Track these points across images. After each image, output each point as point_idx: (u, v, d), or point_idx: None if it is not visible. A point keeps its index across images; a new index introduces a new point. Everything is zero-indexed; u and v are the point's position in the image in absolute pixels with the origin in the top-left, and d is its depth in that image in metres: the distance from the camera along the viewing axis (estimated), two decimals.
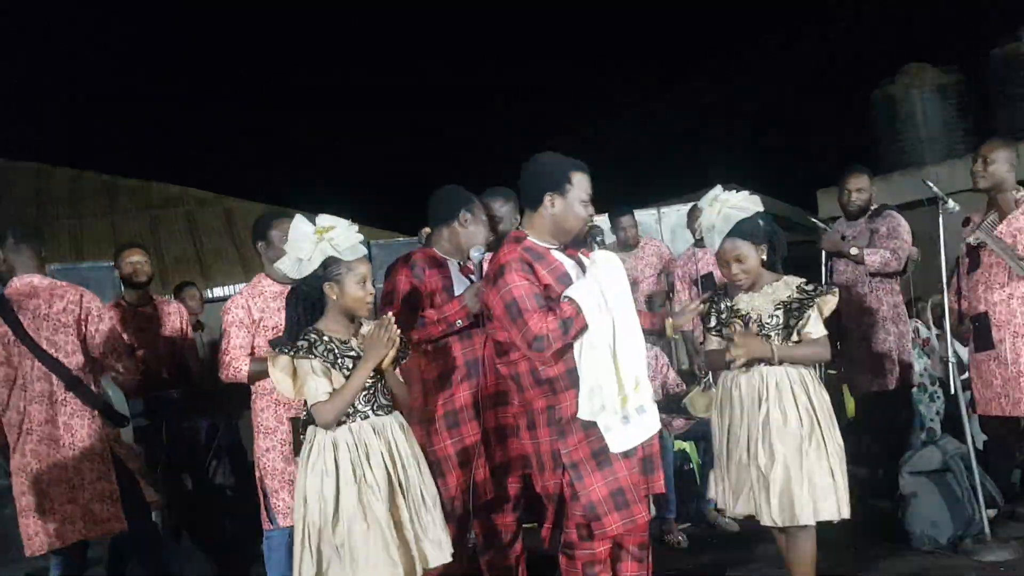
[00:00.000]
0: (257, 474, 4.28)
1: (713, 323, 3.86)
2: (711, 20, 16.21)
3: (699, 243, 6.69)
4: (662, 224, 8.51)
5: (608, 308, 3.31)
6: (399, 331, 3.31)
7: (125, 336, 5.26)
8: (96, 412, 4.10)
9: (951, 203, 4.64)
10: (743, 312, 3.75)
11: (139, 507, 4.19)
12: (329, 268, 3.31)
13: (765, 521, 3.65)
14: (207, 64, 17.67)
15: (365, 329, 3.37)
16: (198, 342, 6.05)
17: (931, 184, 4.70)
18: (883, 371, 5.56)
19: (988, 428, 4.98)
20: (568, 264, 3.49)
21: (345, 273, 3.31)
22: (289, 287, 3.56)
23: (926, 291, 7.03)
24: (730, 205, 3.78)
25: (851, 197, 5.68)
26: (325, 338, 3.29)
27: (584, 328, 3.29)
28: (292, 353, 3.24)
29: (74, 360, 4.07)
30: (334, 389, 3.23)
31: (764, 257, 3.77)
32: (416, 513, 3.30)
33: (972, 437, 4.68)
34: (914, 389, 6.47)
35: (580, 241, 3.60)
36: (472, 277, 3.99)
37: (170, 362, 5.40)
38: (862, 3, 15.43)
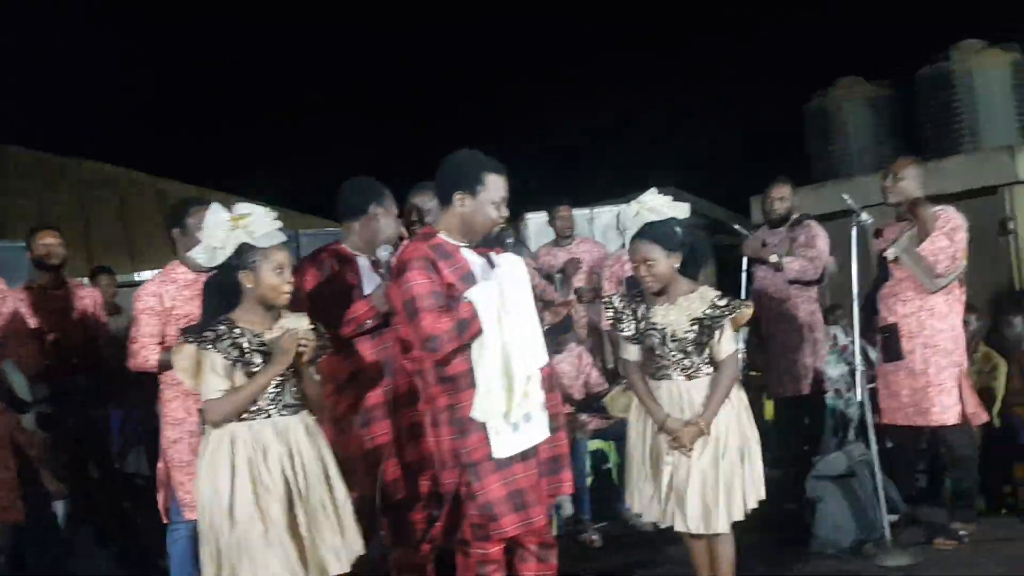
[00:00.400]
0: (161, 465, 4.22)
1: (631, 332, 3.79)
2: (650, 24, 16.34)
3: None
4: (594, 225, 8.57)
5: (506, 313, 3.30)
6: (313, 335, 3.28)
7: (36, 319, 5.16)
8: None
9: (864, 215, 4.75)
10: (661, 327, 3.69)
11: (39, 497, 4.07)
12: (244, 256, 3.24)
13: (679, 527, 3.66)
14: (142, 40, 17.32)
15: (284, 321, 3.31)
16: (113, 327, 5.94)
17: (846, 196, 4.81)
18: (798, 376, 5.67)
19: (892, 436, 5.09)
20: (476, 263, 3.47)
21: (261, 261, 3.23)
22: (205, 276, 3.50)
23: (845, 299, 7.17)
24: (648, 207, 3.77)
25: (773, 205, 5.80)
26: (236, 330, 3.21)
27: (479, 332, 3.29)
28: (198, 343, 3.17)
29: None
30: (231, 387, 3.16)
31: (676, 264, 3.71)
32: (313, 519, 3.24)
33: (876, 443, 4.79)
34: (831, 394, 6.62)
35: (493, 241, 3.59)
36: (382, 274, 3.92)
37: (82, 347, 5.29)
38: (799, 15, 15.68)
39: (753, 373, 6.36)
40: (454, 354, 3.33)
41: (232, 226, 3.25)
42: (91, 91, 17.00)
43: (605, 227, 8.42)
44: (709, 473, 3.61)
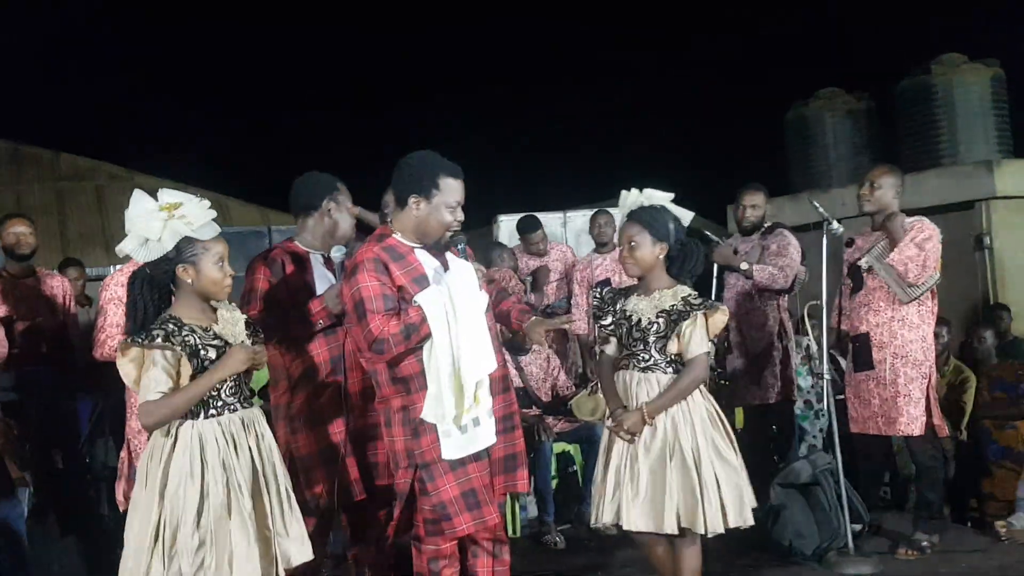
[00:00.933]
0: (123, 455, 4.21)
1: (608, 321, 3.75)
2: (632, 28, 16.39)
3: (598, 249, 6.77)
4: (567, 228, 8.59)
5: (455, 318, 3.29)
6: (258, 344, 3.21)
7: (4, 307, 5.13)
8: None
9: (836, 225, 4.77)
10: (629, 314, 3.66)
11: (2, 485, 4.03)
12: (183, 249, 3.07)
13: (626, 527, 3.60)
14: (122, 37, 17.24)
15: (223, 313, 3.20)
16: (83, 318, 5.91)
17: (816, 205, 4.83)
18: (766, 385, 5.69)
19: (859, 445, 5.11)
20: (429, 265, 3.45)
21: (201, 254, 3.09)
22: None
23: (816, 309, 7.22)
24: (647, 196, 3.74)
25: (745, 213, 5.80)
26: (186, 328, 3.05)
27: (428, 336, 3.28)
28: (146, 342, 2.98)
29: None
30: (173, 388, 3.00)
31: (661, 256, 3.66)
32: (280, 509, 3.18)
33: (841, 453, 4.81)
34: (800, 404, 6.64)
35: (445, 245, 3.54)
36: (335, 271, 3.90)
37: (50, 336, 5.27)
38: (780, 25, 15.77)
39: (723, 383, 6.37)
40: (404, 356, 3.32)
41: (167, 216, 3.04)
42: (71, 85, 16.93)
43: (578, 231, 8.44)
44: (657, 471, 3.53)
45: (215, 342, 3.10)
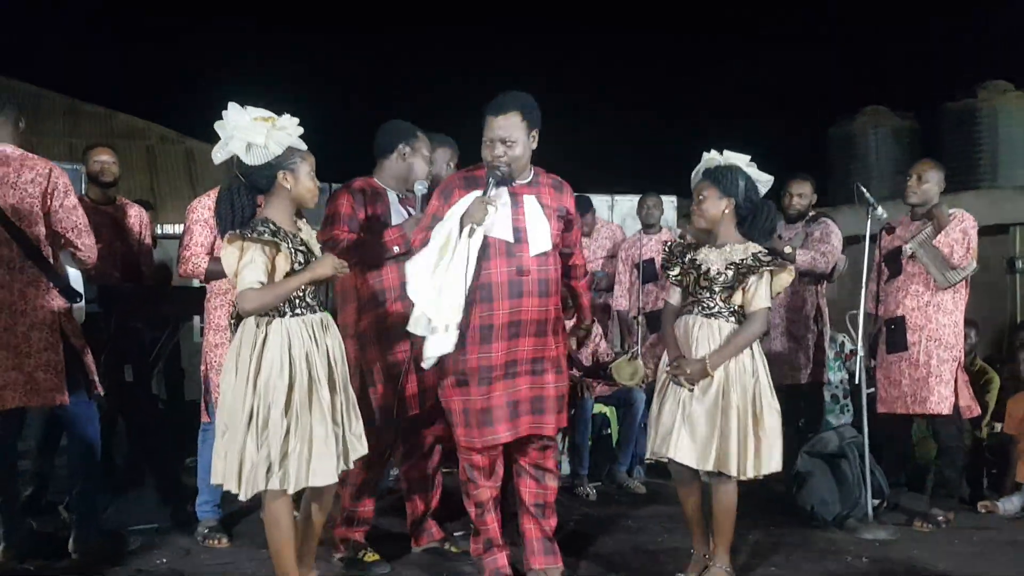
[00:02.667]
0: (202, 368, 4.51)
1: (676, 272, 3.91)
2: (686, 38, 16.63)
3: (646, 230, 7.01)
4: (614, 211, 8.84)
5: (449, 247, 3.64)
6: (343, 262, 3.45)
7: None
8: (51, 284, 4.15)
9: (880, 210, 5.01)
10: (699, 263, 3.82)
11: (81, 383, 4.27)
12: (286, 156, 3.31)
13: (670, 455, 3.76)
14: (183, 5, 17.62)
15: (305, 228, 3.44)
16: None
17: (864, 190, 5.07)
18: (799, 366, 5.94)
19: (884, 426, 5.32)
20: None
21: (300, 163, 3.34)
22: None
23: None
24: (724, 158, 3.91)
25: (792, 201, 6.06)
26: (280, 232, 3.28)
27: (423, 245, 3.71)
28: (253, 236, 3.22)
29: (36, 231, 4.10)
30: (266, 282, 3.24)
31: (728, 212, 3.81)
32: (347, 406, 3.43)
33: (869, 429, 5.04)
34: (827, 398, 6.87)
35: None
36: (411, 209, 4.21)
37: (125, 262, 5.53)
38: (829, 41, 15.95)
39: None
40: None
41: (270, 125, 3.29)
42: (131, 45, 17.33)
43: (624, 215, 8.69)
44: (709, 415, 3.69)
45: (302, 248, 3.35)
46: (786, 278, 3.84)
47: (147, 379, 5.36)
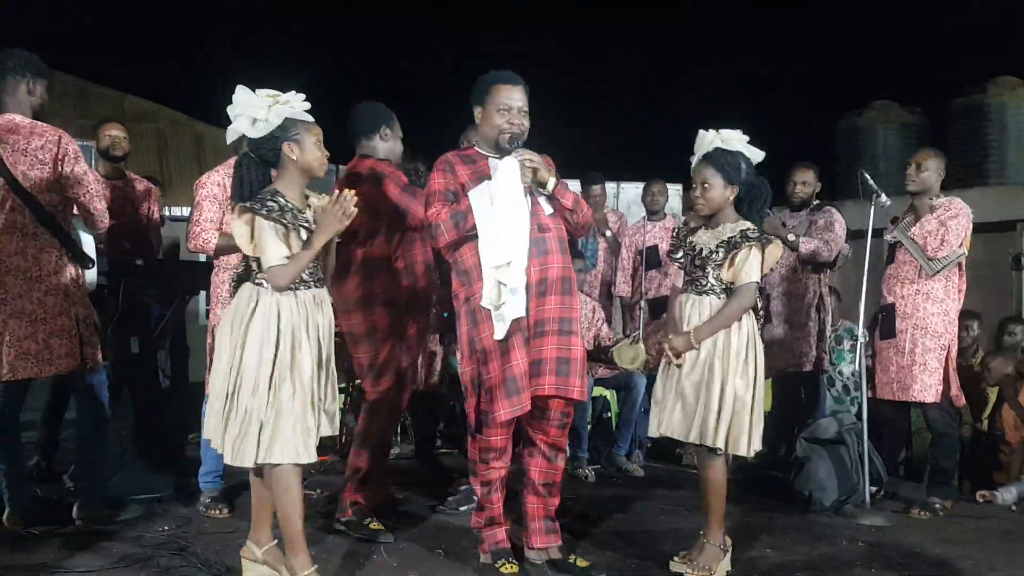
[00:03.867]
0: (208, 341, 4.56)
1: (679, 255, 3.97)
2: (694, 27, 16.67)
3: (650, 217, 7.04)
4: (620, 198, 8.88)
5: (492, 211, 3.63)
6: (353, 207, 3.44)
7: None
8: (64, 250, 4.20)
9: (883, 197, 5.04)
10: (694, 245, 3.87)
11: (88, 351, 4.30)
12: (288, 128, 3.38)
13: (659, 431, 3.88)
14: None
15: (315, 200, 3.48)
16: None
17: (868, 177, 5.09)
18: (800, 352, 5.96)
19: (882, 412, 5.36)
20: (493, 168, 3.79)
21: (304, 133, 3.40)
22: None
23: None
24: (723, 139, 3.85)
25: (796, 188, 6.09)
26: (289, 205, 3.36)
27: (475, 226, 3.66)
28: (264, 212, 3.31)
29: (47, 197, 4.15)
30: (290, 254, 3.33)
31: (731, 197, 3.81)
32: (327, 383, 3.47)
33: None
34: (839, 388, 6.90)
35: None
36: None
37: (134, 236, 5.58)
38: (838, 34, 15.96)
39: None
40: (462, 246, 3.71)
41: (272, 101, 3.38)
42: (142, 28, 17.36)
43: (629, 202, 8.73)
44: (696, 386, 3.74)
45: (306, 224, 3.39)
46: (775, 252, 3.84)
47: (153, 352, 5.40)
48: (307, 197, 3.50)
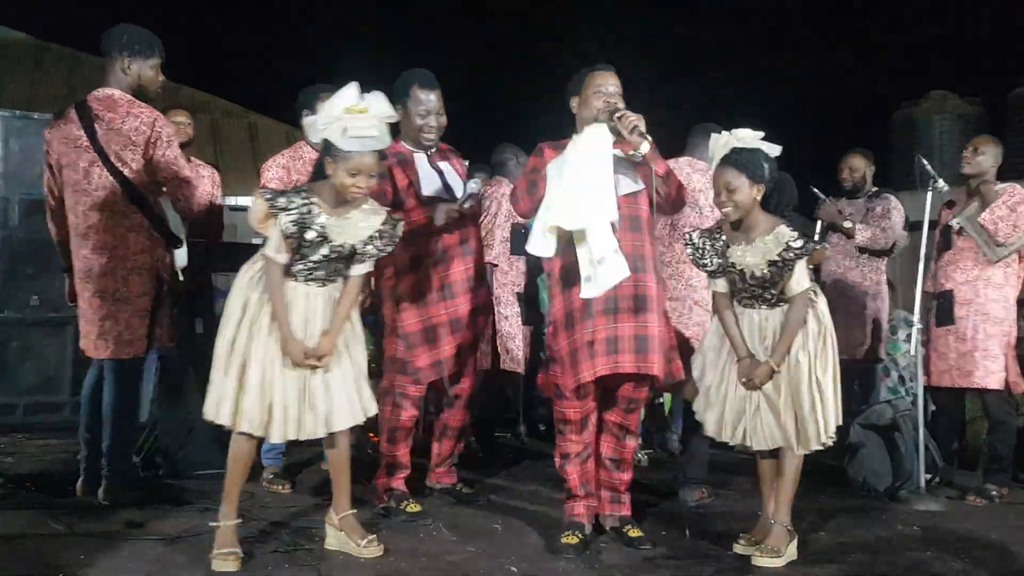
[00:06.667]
0: None
1: (714, 267, 3.83)
2: (749, 20, 16.57)
3: None
4: None
5: (563, 173, 3.71)
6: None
7: None
8: (153, 230, 4.29)
9: (941, 183, 5.02)
10: (740, 268, 3.74)
11: (161, 329, 4.42)
12: (331, 147, 3.46)
13: (759, 446, 3.86)
14: None
15: (357, 215, 3.53)
16: None
17: (925, 162, 5.08)
18: (855, 342, 5.95)
19: (937, 400, 5.34)
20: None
21: (342, 159, 3.43)
22: None
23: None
24: (738, 138, 3.79)
25: (845, 175, 6.14)
26: (308, 203, 3.45)
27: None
28: (268, 196, 3.45)
29: (137, 178, 4.22)
30: (285, 253, 3.45)
31: (758, 196, 3.71)
32: (314, 383, 3.53)
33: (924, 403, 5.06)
34: (895, 378, 6.86)
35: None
36: (444, 168, 4.47)
37: (195, 221, 5.70)
38: (896, 27, 15.76)
39: None
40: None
41: (340, 114, 3.41)
42: (198, 22, 17.66)
43: None
44: (784, 403, 3.73)
45: (321, 230, 3.46)
46: (820, 253, 3.87)
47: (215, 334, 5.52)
48: (348, 209, 3.53)
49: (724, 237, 3.81)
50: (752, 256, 3.71)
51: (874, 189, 6.14)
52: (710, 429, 3.97)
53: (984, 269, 5.09)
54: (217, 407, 3.47)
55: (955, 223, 5.18)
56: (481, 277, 4.54)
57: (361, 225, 3.55)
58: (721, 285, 3.86)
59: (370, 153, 3.44)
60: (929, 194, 5.02)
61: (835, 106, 14.85)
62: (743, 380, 3.78)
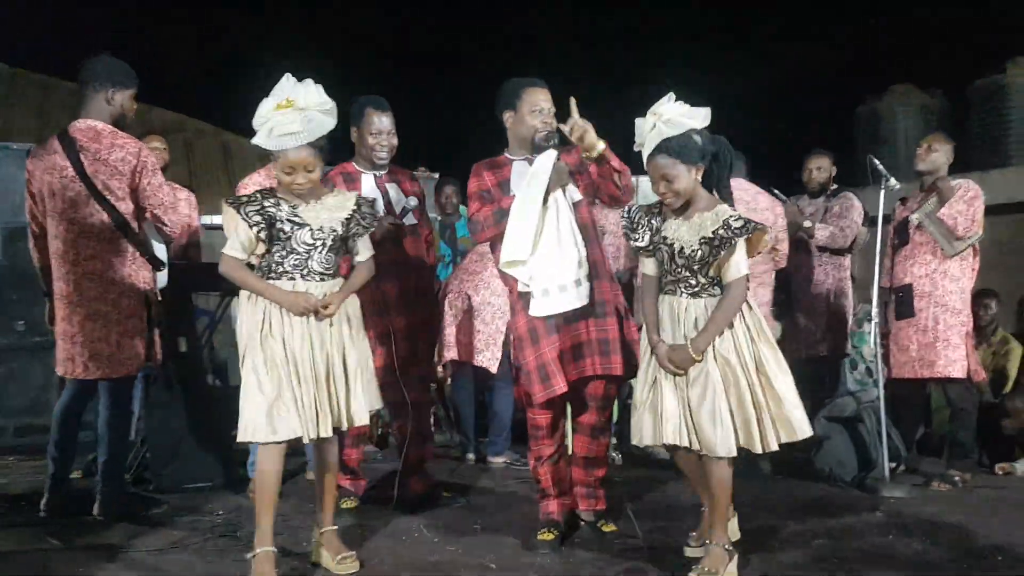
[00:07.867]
0: None
1: (644, 243, 3.63)
2: (708, 12, 16.80)
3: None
4: (638, 191, 9.06)
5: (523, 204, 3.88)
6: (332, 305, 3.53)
7: None
8: (139, 255, 4.43)
9: (892, 181, 5.21)
10: (670, 241, 3.54)
11: (152, 348, 4.57)
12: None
13: (674, 442, 3.55)
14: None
15: (328, 199, 3.57)
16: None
17: (876, 162, 5.26)
18: (818, 339, 6.14)
19: (898, 390, 5.49)
20: (517, 171, 4.13)
21: (275, 159, 3.46)
22: None
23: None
24: (664, 120, 3.54)
25: (811, 175, 6.30)
26: (271, 200, 3.49)
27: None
28: (232, 203, 3.50)
29: (123, 205, 4.36)
30: (247, 251, 3.52)
31: (698, 178, 3.52)
32: (328, 378, 3.55)
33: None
34: (862, 370, 7.03)
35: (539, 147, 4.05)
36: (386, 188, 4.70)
37: (174, 243, 5.82)
38: (856, 17, 15.98)
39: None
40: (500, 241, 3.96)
41: (268, 114, 3.40)
42: (165, 42, 17.70)
43: (647, 194, 8.89)
44: (705, 396, 3.46)
45: (295, 219, 3.49)
46: (761, 236, 3.53)
47: (199, 352, 5.67)
48: (318, 197, 3.57)
49: (661, 216, 3.63)
50: (686, 230, 3.53)
51: (834, 187, 6.32)
52: (646, 437, 3.65)
53: (942, 262, 5.29)
54: (251, 426, 3.43)
55: (914, 218, 5.37)
56: (422, 293, 4.76)
57: (334, 208, 3.59)
58: (650, 266, 3.68)
59: (303, 148, 3.40)
60: (882, 192, 5.21)
61: (800, 101, 15.03)
62: (660, 362, 3.54)
